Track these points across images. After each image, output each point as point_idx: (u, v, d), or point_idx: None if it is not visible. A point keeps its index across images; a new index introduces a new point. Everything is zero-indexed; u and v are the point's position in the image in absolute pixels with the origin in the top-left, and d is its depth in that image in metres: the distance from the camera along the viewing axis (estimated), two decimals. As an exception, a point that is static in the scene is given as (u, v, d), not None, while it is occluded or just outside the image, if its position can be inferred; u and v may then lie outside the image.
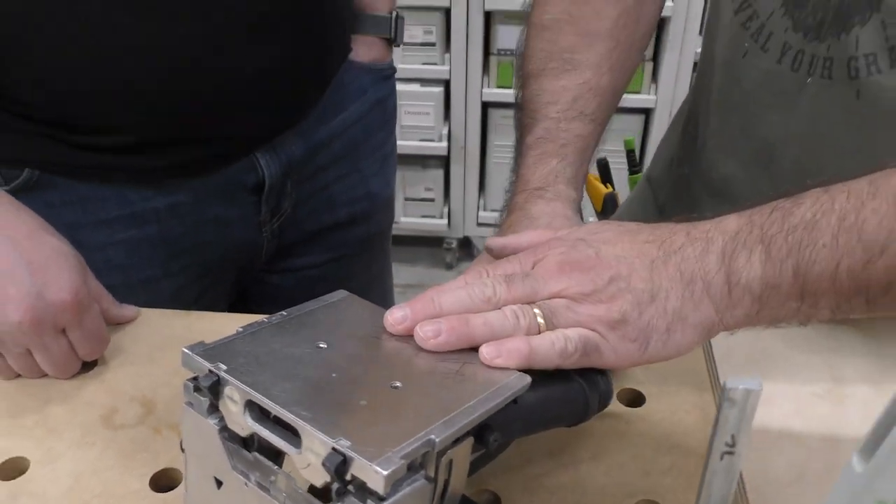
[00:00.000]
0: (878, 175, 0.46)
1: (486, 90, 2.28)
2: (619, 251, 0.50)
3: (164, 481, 0.55)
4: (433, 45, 2.24)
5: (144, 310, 0.72)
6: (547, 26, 0.71)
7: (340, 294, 0.52)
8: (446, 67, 2.25)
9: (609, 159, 1.31)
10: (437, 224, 2.51)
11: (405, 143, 2.25)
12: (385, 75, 0.95)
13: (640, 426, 0.60)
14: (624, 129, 2.08)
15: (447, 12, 2.19)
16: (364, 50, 0.91)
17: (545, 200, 0.63)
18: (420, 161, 2.40)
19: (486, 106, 2.32)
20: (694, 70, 2.19)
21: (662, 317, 0.48)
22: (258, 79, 0.76)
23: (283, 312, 0.49)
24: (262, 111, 0.79)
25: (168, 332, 0.70)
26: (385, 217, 1.01)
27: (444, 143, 2.36)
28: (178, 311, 0.73)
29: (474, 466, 0.45)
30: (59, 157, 0.74)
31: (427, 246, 2.59)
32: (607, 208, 1.19)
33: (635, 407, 0.62)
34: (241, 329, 0.46)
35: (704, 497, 0.33)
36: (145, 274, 0.81)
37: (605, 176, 1.27)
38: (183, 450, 0.46)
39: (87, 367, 0.65)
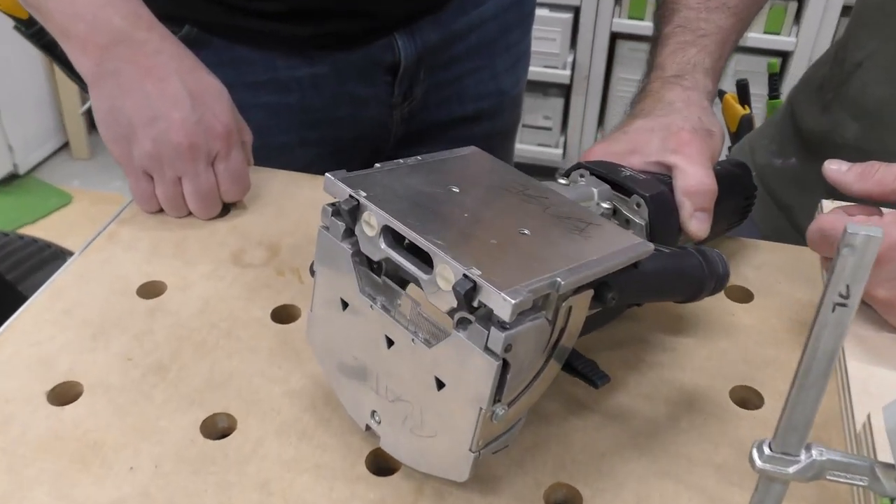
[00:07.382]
0: None
1: (616, 20, 2.23)
2: None
3: (283, 315, 0.60)
4: (567, -32, 2.20)
5: (278, 171, 0.76)
6: None
7: (472, 149, 0.54)
8: (578, -7, 2.22)
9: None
10: (551, 153, 2.49)
11: (528, 68, 2.24)
12: (524, -24, 0.95)
13: (747, 320, 0.60)
14: (755, 70, 2.00)
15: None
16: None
17: (682, 88, 0.63)
18: (541, 88, 2.38)
19: (614, 37, 2.27)
20: (841, 14, 2.07)
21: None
22: None
23: (419, 157, 0.51)
24: None
25: (297, 192, 0.74)
26: (512, 116, 1.02)
27: (568, 72, 2.33)
28: (309, 174, 0.76)
29: (587, 326, 0.46)
30: (217, 17, 0.79)
31: (539, 175, 2.58)
32: (742, 130, 1.16)
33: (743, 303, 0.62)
34: (378, 166, 0.48)
35: (811, 351, 0.33)
36: (282, 140, 0.85)
37: (744, 97, 1.23)
38: (313, 273, 0.49)
39: (221, 213, 0.70)
